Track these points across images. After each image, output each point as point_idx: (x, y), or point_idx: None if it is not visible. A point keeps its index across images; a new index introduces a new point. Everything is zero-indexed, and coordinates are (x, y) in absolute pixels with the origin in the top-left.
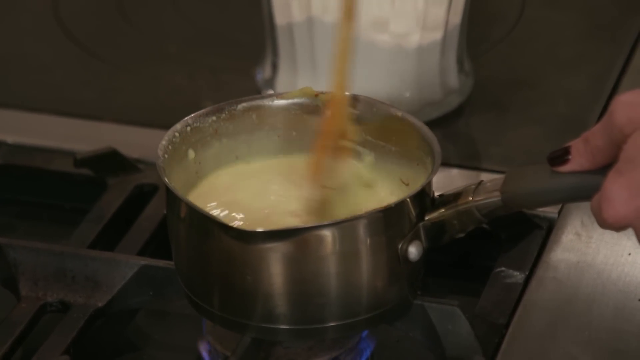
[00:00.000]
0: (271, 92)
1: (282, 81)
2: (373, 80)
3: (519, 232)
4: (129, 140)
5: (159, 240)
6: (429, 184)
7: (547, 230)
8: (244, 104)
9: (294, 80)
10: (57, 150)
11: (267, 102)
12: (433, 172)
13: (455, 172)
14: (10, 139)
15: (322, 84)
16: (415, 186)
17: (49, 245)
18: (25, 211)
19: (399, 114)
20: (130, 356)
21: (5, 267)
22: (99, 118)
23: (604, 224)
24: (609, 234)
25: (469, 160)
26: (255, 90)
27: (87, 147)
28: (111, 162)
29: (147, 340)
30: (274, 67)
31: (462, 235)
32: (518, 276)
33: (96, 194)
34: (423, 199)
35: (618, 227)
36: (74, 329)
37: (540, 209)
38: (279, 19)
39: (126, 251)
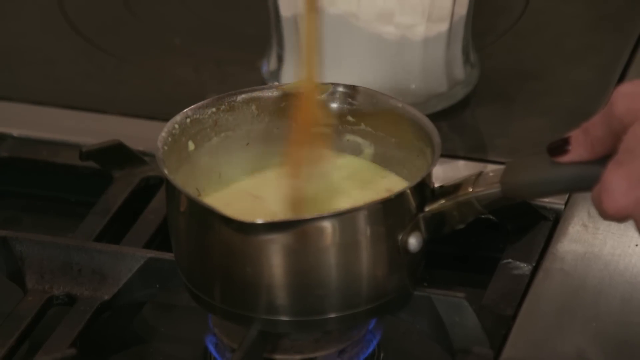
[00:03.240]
0: (276, 84)
1: (288, 73)
2: (379, 72)
3: (525, 224)
4: (134, 132)
5: (165, 233)
6: (428, 175)
7: (554, 222)
8: (244, 95)
9: (300, 73)
10: (63, 143)
11: (266, 94)
12: (433, 163)
13: (461, 163)
14: (15, 132)
15: (328, 75)
16: (414, 179)
17: (55, 239)
18: (31, 204)
19: (399, 105)
20: (137, 349)
21: (11, 260)
22: (104, 111)
23: (605, 214)
24: (615, 226)
25: (474, 152)
26: (261, 83)
27: (93, 140)
28: (117, 154)
29: (153, 333)
30: (280, 59)
31: (462, 226)
32: (525, 268)
33: (102, 186)
34: (423, 190)
35: (619, 218)
36: (81, 322)
37: (547, 201)
38: (285, 10)
39: (132, 244)
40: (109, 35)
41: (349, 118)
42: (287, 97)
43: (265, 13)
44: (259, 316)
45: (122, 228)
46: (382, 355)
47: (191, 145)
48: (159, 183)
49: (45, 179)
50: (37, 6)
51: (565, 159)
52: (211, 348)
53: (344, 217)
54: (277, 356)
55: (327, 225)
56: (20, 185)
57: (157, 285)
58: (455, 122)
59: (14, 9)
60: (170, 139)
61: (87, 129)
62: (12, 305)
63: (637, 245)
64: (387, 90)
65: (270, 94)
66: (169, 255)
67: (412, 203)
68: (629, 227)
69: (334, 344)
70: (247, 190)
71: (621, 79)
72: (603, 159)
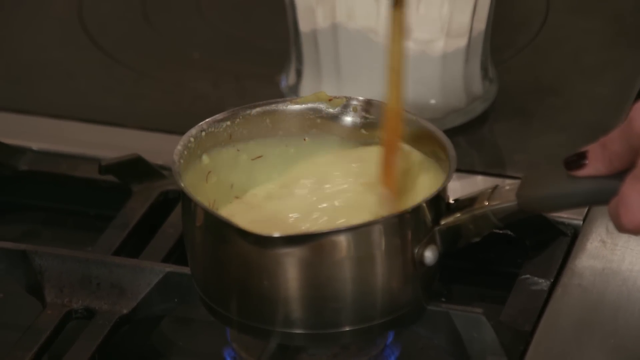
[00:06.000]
0: (290, 98)
1: (307, 88)
2: None
3: (543, 239)
4: (153, 146)
5: (183, 247)
6: (444, 189)
7: (572, 237)
8: (258, 109)
9: (318, 87)
10: (82, 157)
11: (281, 107)
12: (449, 176)
13: (479, 179)
14: (35, 145)
15: (346, 90)
16: (432, 190)
17: (74, 252)
18: (50, 218)
19: (413, 118)
20: None
21: (30, 274)
22: (123, 124)
23: (622, 228)
24: (634, 242)
25: (493, 167)
26: (279, 97)
27: (112, 154)
28: (136, 168)
29: (172, 347)
30: (299, 73)
31: (477, 239)
32: (543, 283)
33: (121, 200)
34: (439, 203)
35: (637, 232)
36: (99, 335)
37: (565, 216)
38: (303, 25)
39: (151, 258)
40: (129, 49)
41: (363, 131)
42: (300, 111)
43: (284, 28)
44: (275, 329)
45: (140, 242)
46: None
47: (205, 159)
48: (177, 197)
49: (64, 192)
50: (57, 20)
51: (582, 173)
52: None
53: (360, 231)
54: None
55: (344, 239)
56: (40, 198)
57: (176, 300)
58: (473, 137)
59: (34, 23)
60: (186, 152)
61: (106, 143)
62: (31, 318)
63: None
64: (406, 105)
65: (284, 107)
66: (187, 270)
67: (428, 216)
68: None
69: (353, 358)
70: (262, 203)
71: None
72: (620, 173)
